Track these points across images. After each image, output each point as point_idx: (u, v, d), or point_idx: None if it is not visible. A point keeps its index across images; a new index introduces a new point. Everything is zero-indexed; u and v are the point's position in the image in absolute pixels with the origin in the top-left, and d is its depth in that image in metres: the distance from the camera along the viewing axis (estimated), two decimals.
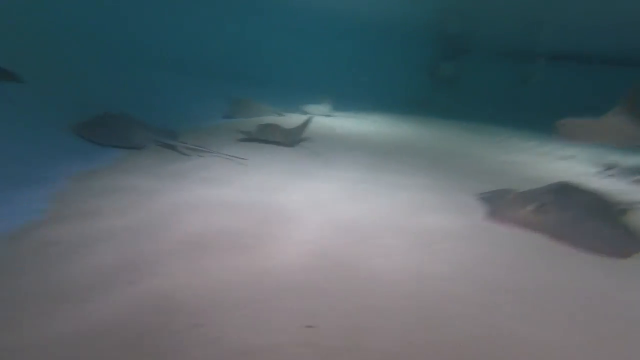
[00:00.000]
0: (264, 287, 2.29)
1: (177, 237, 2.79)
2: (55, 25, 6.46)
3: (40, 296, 2.04)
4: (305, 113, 8.89)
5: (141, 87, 7.73)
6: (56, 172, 3.69)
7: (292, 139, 5.90)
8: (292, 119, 8.22)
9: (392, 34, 14.24)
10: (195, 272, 2.39)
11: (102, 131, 4.74)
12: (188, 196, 3.56)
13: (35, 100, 5.04)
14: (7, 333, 1.78)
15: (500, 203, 3.87)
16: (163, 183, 3.81)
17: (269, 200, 3.66)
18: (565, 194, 3.72)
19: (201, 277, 2.35)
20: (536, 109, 12.80)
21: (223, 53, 11.83)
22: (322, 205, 3.68)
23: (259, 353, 1.78)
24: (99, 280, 2.22)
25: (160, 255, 2.53)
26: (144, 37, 9.15)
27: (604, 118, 4.04)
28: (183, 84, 9.10)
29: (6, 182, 3.25)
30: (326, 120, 8.91)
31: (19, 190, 3.21)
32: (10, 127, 4.22)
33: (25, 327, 1.82)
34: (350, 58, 14.72)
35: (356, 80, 13.81)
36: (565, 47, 13.28)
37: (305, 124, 6.24)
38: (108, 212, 3.06)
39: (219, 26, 11.95)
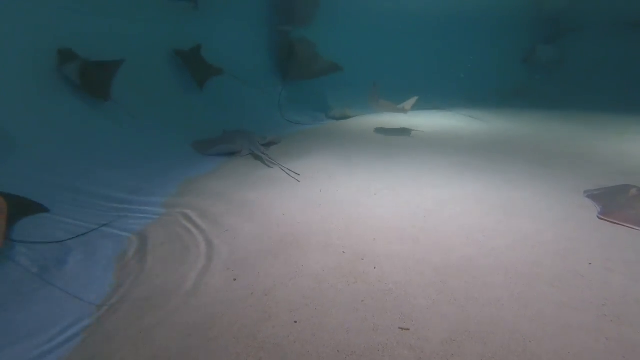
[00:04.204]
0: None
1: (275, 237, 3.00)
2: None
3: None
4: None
5: (254, 103, 8.30)
6: (171, 179, 4.34)
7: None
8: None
9: (480, 23, 13.03)
10: (288, 272, 2.55)
11: (208, 145, 5.45)
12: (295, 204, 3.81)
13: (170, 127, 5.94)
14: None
15: (618, 200, 3.41)
16: (255, 189, 4.16)
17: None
18: None
19: (297, 275, 2.51)
20: None
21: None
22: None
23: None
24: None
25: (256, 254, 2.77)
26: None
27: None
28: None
29: (141, 193, 3.91)
30: (408, 118, 8.61)
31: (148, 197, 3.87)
32: (151, 145, 5.12)
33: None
34: (434, 55, 13.79)
35: (437, 77, 13.04)
36: None
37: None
38: (204, 210, 3.55)
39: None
